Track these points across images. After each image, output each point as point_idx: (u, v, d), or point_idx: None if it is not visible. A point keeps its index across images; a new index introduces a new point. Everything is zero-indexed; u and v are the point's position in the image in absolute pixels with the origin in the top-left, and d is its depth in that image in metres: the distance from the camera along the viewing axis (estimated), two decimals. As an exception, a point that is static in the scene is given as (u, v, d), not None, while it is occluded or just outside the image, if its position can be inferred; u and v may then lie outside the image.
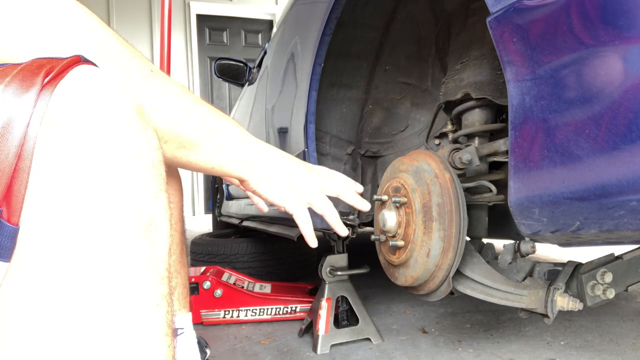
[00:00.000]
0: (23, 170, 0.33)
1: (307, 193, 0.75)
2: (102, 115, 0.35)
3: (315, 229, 1.36)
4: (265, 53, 2.24)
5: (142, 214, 0.37)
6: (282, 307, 1.60)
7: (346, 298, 1.36)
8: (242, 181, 0.71)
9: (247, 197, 2.31)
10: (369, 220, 1.45)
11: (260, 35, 6.28)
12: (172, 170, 1.00)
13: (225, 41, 6.20)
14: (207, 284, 1.60)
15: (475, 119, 1.05)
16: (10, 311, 0.34)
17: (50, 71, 0.35)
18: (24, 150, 0.33)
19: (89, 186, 0.34)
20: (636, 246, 0.89)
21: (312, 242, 0.78)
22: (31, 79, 0.34)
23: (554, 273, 0.90)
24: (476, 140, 1.05)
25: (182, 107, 0.55)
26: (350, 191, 0.81)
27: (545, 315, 0.88)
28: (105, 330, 0.35)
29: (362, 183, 1.47)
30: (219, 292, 1.60)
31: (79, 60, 0.37)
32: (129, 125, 0.37)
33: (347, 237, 1.36)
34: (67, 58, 0.37)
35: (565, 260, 0.93)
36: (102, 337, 0.35)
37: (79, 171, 0.34)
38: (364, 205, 0.82)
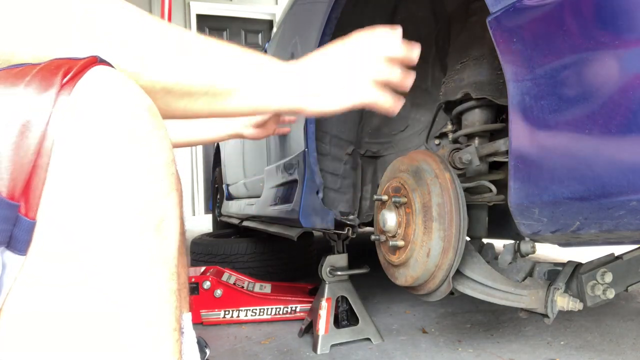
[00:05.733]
0: (41, 166, 0.34)
1: (367, 72, 0.62)
2: (118, 116, 0.37)
3: (315, 229, 1.37)
4: (265, 53, 2.24)
5: (154, 211, 0.38)
6: (282, 307, 1.60)
7: (346, 298, 1.36)
8: (288, 113, 0.62)
9: (247, 197, 2.32)
10: (369, 220, 1.45)
11: (260, 35, 6.27)
12: None
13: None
14: (207, 284, 1.60)
15: (475, 119, 1.05)
16: (27, 303, 0.35)
17: (68, 72, 0.36)
18: (43, 147, 0.34)
19: (104, 184, 0.36)
20: (636, 246, 0.89)
21: (398, 105, 0.64)
22: (50, 79, 0.35)
23: (554, 273, 0.90)
24: (476, 140, 1.05)
25: (206, 56, 0.52)
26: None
27: (545, 315, 0.88)
28: (118, 324, 0.36)
29: (362, 183, 1.47)
30: (219, 292, 1.60)
31: (95, 61, 0.38)
32: (143, 125, 0.38)
33: (347, 237, 1.36)
34: (83, 59, 0.38)
35: (565, 260, 0.93)
36: (114, 332, 0.36)
37: (95, 169, 0.35)
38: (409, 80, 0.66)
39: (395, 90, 0.63)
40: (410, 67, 0.65)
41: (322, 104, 0.61)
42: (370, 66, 0.61)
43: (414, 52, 0.63)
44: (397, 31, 0.63)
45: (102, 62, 0.39)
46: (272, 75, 0.58)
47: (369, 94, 0.62)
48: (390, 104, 0.64)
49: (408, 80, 0.64)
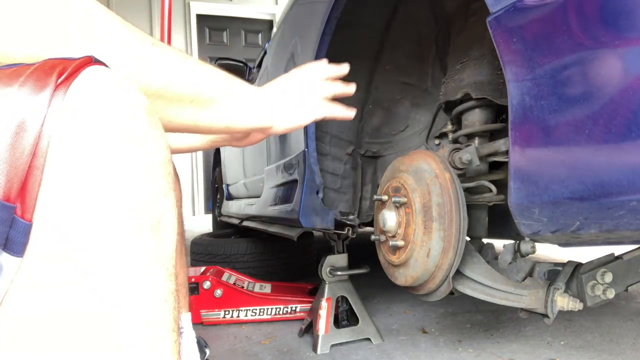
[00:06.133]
0: (37, 167, 0.34)
1: (317, 92, 0.76)
2: (114, 115, 0.36)
3: (315, 229, 1.37)
4: (265, 53, 2.24)
5: (152, 211, 0.38)
6: (282, 307, 1.60)
7: (346, 298, 1.36)
8: (259, 130, 0.71)
9: (247, 197, 2.32)
10: (369, 220, 1.45)
11: (260, 35, 6.27)
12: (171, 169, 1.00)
13: (225, 41, 6.20)
14: (207, 284, 1.60)
15: (475, 119, 1.05)
16: (24, 305, 0.35)
17: (62, 72, 0.36)
18: (39, 148, 0.34)
19: (100, 184, 0.35)
20: (636, 246, 0.89)
21: (350, 112, 0.79)
22: (45, 79, 0.35)
23: (554, 273, 0.90)
24: (476, 140, 1.05)
25: (194, 68, 0.57)
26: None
27: (545, 315, 0.88)
28: (114, 324, 0.36)
29: (362, 183, 1.47)
30: (219, 292, 1.60)
31: (90, 60, 0.38)
32: (139, 124, 0.38)
33: (347, 237, 1.36)
34: (78, 59, 0.37)
35: (565, 260, 0.93)
36: (110, 332, 0.36)
37: (91, 169, 0.35)
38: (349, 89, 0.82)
39: (344, 101, 0.80)
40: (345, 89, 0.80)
41: (288, 122, 0.73)
42: (317, 88, 0.76)
43: (342, 68, 0.80)
44: (322, 61, 0.81)
45: (97, 62, 0.39)
46: (247, 94, 0.67)
47: (323, 109, 0.76)
48: (343, 112, 0.79)
49: (349, 88, 0.80)
